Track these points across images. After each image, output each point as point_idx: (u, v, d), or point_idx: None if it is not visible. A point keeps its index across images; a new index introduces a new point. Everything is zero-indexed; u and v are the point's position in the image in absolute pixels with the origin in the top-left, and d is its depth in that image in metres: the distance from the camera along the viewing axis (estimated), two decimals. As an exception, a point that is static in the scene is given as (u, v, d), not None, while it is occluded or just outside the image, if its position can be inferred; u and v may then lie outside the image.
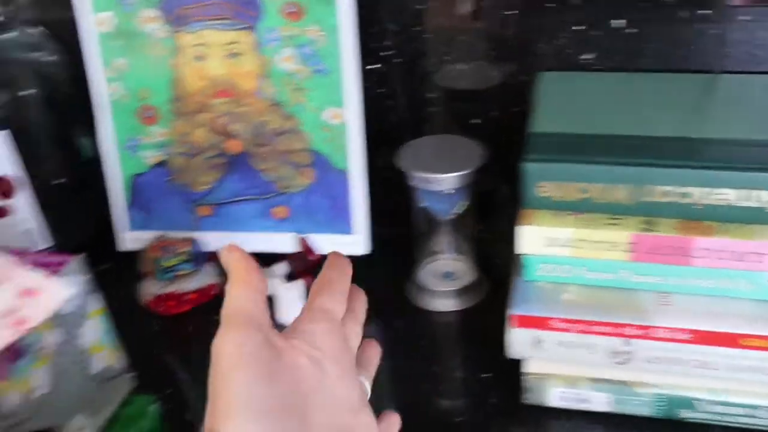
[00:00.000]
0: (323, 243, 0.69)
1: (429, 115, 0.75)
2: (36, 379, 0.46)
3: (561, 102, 0.63)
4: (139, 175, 0.75)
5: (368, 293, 0.39)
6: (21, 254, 0.51)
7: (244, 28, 0.68)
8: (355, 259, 0.38)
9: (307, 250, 0.71)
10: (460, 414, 0.61)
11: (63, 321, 0.49)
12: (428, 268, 0.73)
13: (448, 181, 0.66)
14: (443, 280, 0.72)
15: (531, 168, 0.55)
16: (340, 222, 0.72)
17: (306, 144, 0.71)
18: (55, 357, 0.49)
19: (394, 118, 0.75)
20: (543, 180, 0.55)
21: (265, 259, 0.73)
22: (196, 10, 0.68)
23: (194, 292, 0.72)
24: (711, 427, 0.57)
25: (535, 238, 0.56)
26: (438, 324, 0.71)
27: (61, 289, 0.43)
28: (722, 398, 0.56)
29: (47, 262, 0.50)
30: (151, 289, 0.72)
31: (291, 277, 0.71)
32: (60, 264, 0.51)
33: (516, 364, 0.59)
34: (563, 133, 0.58)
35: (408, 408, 0.52)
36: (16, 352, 0.43)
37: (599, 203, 0.55)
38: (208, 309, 0.71)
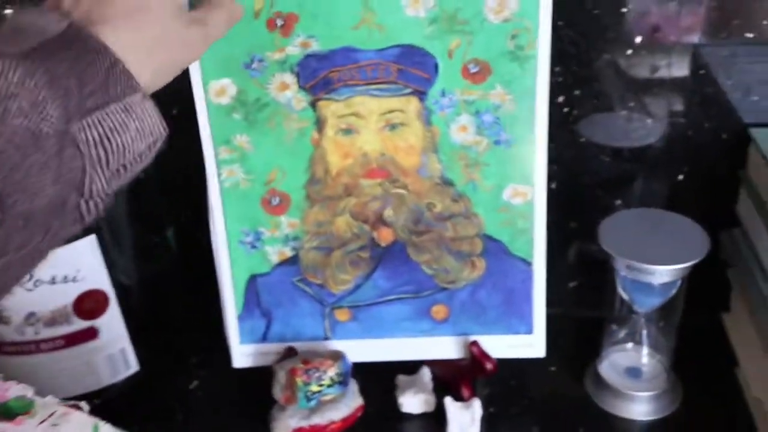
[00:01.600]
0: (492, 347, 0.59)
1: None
2: None
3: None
4: (259, 275, 0.59)
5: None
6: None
7: (410, 94, 0.55)
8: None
9: (482, 356, 0.59)
10: None
11: None
12: (613, 359, 0.63)
13: (663, 273, 0.55)
14: (626, 377, 0.62)
15: None
16: (514, 321, 0.60)
17: (478, 229, 0.58)
18: None
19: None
20: None
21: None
22: (347, 72, 0.54)
23: (342, 420, 0.58)
24: None
25: None
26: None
27: None
28: None
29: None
30: (288, 421, 0.57)
31: (467, 386, 0.59)
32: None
33: None
34: None
35: None
36: None
37: None
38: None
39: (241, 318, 0.61)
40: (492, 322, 0.61)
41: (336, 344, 0.61)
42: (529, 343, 0.61)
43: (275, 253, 0.59)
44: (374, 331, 0.61)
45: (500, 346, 0.61)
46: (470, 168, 0.57)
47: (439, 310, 0.61)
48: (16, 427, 0.42)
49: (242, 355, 0.62)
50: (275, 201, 0.58)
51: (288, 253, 0.59)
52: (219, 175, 0.57)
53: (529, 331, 0.61)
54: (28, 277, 0.52)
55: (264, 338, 0.62)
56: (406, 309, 0.61)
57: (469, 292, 0.60)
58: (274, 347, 0.61)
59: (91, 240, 0.55)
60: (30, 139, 0.31)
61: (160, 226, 0.69)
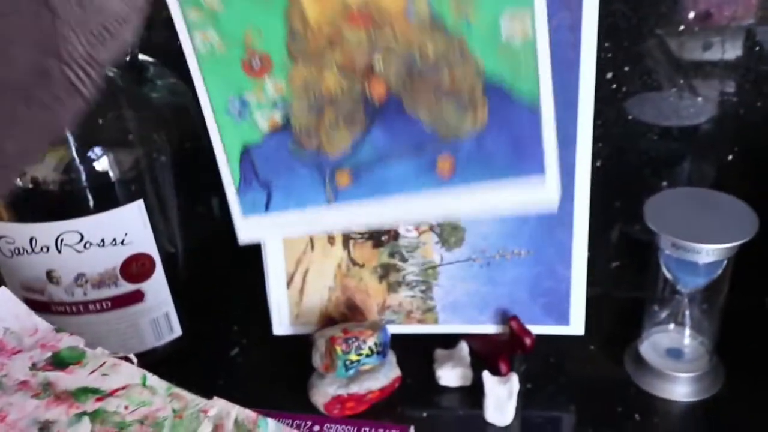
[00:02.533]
0: (507, 198, 0.54)
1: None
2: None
3: None
4: (252, 146, 0.58)
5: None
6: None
7: None
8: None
9: (521, 331, 0.59)
10: None
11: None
12: (654, 340, 0.63)
13: (708, 252, 0.55)
14: (668, 358, 0.61)
15: None
16: (527, 164, 0.54)
17: (476, 71, 0.53)
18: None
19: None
20: None
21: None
22: None
23: (380, 390, 0.59)
24: None
25: None
26: (673, 417, 0.61)
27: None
28: None
29: None
30: (327, 389, 0.58)
31: (506, 361, 0.59)
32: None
33: None
34: None
35: None
36: None
37: None
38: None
39: (240, 191, 0.58)
40: (502, 168, 0.54)
41: (340, 208, 0.57)
42: (542, 187, 0.54)
43: (265, 119, 0.56)
44: (378, 192, 0.57)
45: (513, 199, 0.54)
46: (462, 2, 0.51)
47: (444, 164, 0.55)
48: (68, 375, 0.44)
49: (247, 229, 0.59)
50: (255, 63, 0.55)
51: (278, 119, 0.56)
52: (192, 40, 0.54)
53: (541, 171, 0.53)
54: (79, 237, 0.54)
55: (266, 209, 0.58)
56: (410, 165, 0.56)
57: (474, 142, 0.55)
58: (279, 219, 0.58)
59: (139, 204, 0.57)
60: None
61: (206, 196, 0.70)
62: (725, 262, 0.58)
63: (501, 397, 0.60)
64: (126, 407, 0.40)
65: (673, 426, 0.61)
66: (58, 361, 0.45)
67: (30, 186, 0.54)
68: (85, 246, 0.57)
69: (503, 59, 0.52)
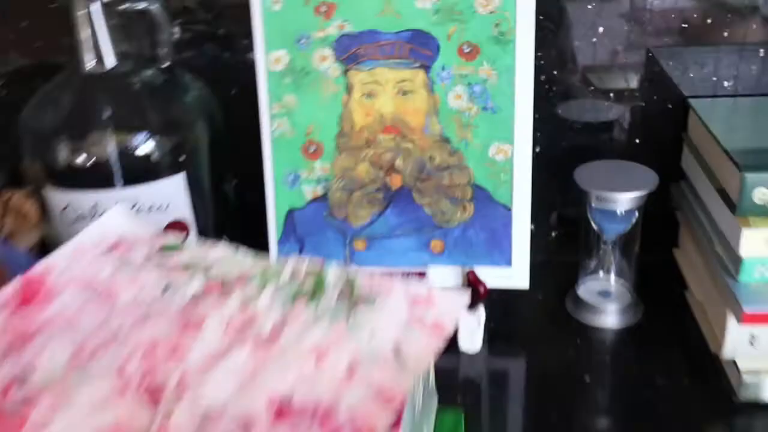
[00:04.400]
0: (482, 275, 0.73)
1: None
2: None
3: (728, 123, 0.70)
4: (296, 209, 0.75)
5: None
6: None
7: (418, 67, 0.72)
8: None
9: (476, 282, 0.73)
10: (676, 418, 0.64)
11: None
12: (588, 285, 0.77)
13: (624, 201, 0.71)
14: (599, 297, 0.76)
15: (750, 177, 0.61)
16: (497, 255, 0.74)
17: (469, 179, 0.73)
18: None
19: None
20: (761, 186, 0.61)
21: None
22: (371, 49, 0.71)
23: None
24: None
25: (754, 241, 0.61)
26: (604, 341, 0.75)
27: (454, 298, 0.43)
28: None
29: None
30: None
31: (470, 306, 0.73)
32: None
33: (705, 370, 0.67)
34: (758, 148, 0.65)
35: (619, 412, 0.63)
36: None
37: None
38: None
39: (280, 242, 0.76)
40: (479, 256, 0.74)
41: (353, 267, 0.74)
42: (510, 275, 0.74)
43: (310, 191, 0.75)
44: (385, 259, 0.75)
45: (489, 276, 0.74)
46: (463, 128, 0.73)
47: (436, 245, 0.75)
48: (176, 256, 0.50)
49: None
50: (312, 149, 0.74)
51: (319, 192, 0.75)
52: (271, 126, 0.74)
53: (508, 264, 0.74)
54: (132, 204, 0.68)
55: (298, 259, 0.76)
56: (411, 242, 0.75)
57: (461, 230, 0.74)
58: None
59: (182, 176, 0.71)
60: None
61: (226, 178, 0.81)
62: (636, 213, 0.75)
63: (471, 326, 0.73)
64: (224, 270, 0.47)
65: (605, 347, 0.74)
66: (167, 249, 0.50)
67: (93, 161, 0.69)
68: (137, 210, 0.68)
69: (488, 171, 0.73)
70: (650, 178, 0.73)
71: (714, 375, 0.67)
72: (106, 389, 0.38)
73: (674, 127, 0.80)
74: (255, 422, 0.35)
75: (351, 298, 0.42)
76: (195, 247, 0.50)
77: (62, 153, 0.69)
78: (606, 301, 0.77)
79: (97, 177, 0.69)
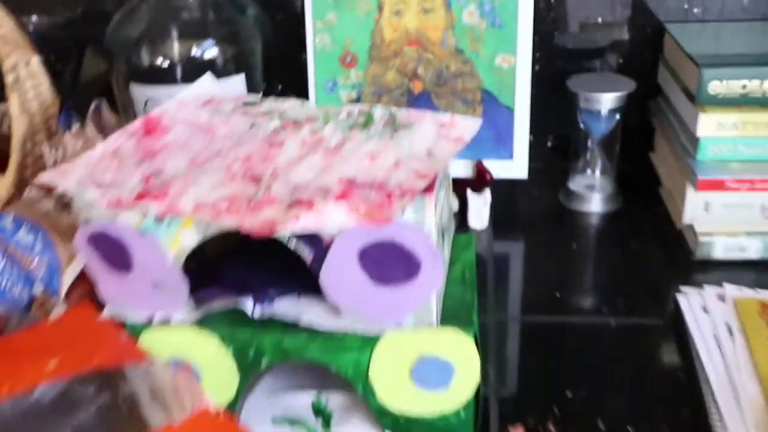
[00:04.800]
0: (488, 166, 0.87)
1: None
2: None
3: (695, 41, 0.84)
4: None
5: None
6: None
7: (438, -11, 0.86)
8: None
9: (483, 171, 0.88)
10: (646, 272, 0.79)
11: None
12: (577, 181, 0.92)
13: (607, 100, 0.85)
14: (586, 188, 0.91)
15: (706, 72, 0.75)
16: (501, 149, 0.89)
17: (478, 84, 0.88)
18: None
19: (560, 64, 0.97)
20: (714, 80, 0.75)
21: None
22: (400, -26, 0.86)
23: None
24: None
25: (709, 124, 0.76)
26: (590, 222, 0.90)
27: (470, 122, 0.58)
28: None
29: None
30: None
31: (478, 188, 0.88)
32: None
33: (671, 238, 0.81)
34: (715, 54, 0.80)
35: (601, 269, 0.78)
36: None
37: (755, 97, 0.76)
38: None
39: None
40: (486, 150, 0.89)
41: None
42: (511, 166, 0.89)
43: (346, 95, 0.90)
44: None
45: (494, 167, 0.89)
46: (475, 41, 0.87)
47: None
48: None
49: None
50: (348, 59, 0.89)
51: (354, 96, 0.90)
52: (315, 39, 0.89)
53: (510, 157, 0.89)
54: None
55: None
56: None
57: None
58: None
59: (241, 78, 0.86)
60: None
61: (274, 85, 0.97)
62: (617, 116, 0.89)
63: (479, 205, 0.88)
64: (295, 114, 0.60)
65: (592, 226, 0.89)
66: (249, 103, 0.62)
67: (169, 63, 0.83)
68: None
69: (495, 78, 0.87)
70: (629, 84, 0.87)
71: (676, 241, 0.81)
72: (220, 177, 0.53)
73: (652, 48, 0.95)
74: (330, 191, 0.50)
75: (394, 125, 0.57)
76: (271, 101, 0.65)
77: (144, 56, 0.83)
78: (592, 192, 0.92)
79: (173, 75, 0.83)
